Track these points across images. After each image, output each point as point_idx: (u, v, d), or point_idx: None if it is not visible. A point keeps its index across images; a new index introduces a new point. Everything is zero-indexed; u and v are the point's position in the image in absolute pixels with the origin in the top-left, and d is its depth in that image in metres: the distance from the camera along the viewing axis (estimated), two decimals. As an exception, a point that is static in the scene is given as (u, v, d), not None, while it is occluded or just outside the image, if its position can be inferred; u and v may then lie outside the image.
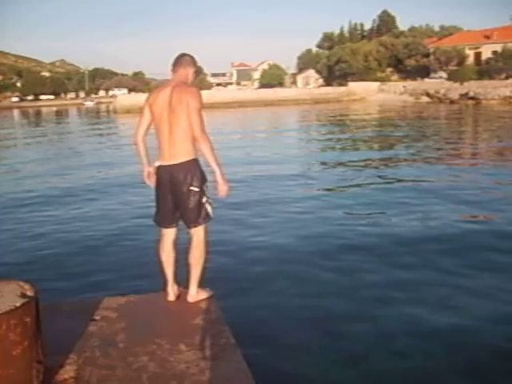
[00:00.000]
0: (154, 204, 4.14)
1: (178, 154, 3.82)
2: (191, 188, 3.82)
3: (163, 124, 3.85)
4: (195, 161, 3.88)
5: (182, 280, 5.75)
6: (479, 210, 9.57)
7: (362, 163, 16.29)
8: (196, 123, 3.77)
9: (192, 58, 4.10)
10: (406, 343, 4.70)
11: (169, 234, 4.04)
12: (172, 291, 4.10)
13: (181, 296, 4.11)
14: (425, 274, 6.39)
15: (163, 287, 4.18)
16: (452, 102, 52.55)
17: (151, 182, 4.05)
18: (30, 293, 2.91)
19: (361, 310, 5.47)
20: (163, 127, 3.86)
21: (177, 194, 3.86)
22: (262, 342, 4.61)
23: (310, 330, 4.97)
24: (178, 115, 3.78)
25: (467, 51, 72.69)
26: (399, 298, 5.78)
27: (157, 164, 3.96)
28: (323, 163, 16.77)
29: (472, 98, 51.01)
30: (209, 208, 3.94)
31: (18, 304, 2.76)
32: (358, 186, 12.55)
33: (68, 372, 3.11)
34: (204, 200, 3.90)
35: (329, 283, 6.23)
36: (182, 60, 4.04)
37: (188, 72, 4.03)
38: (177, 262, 4.14)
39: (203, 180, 3.90)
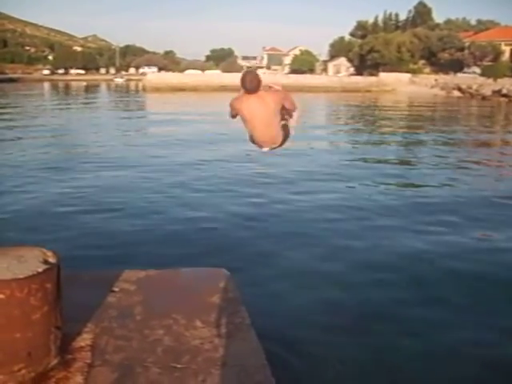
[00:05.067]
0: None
1: None
2: None
3: None
4: None
5: (199, 261, 5.83)
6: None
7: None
8: None
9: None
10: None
11: None
12: None
13: (200, 274, 4.14)
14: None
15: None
16: (484, 98, 51.58)
17: None
18: (52, 260, 2.96)
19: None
20: None
21: None
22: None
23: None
24: None
25: (503, 47, 71.14)
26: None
27: None
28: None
29: (505, 96, 49.96)
30: None
31: (40, 270, 2.81)
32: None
33: (85, 340, 3.16)
34: None
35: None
36: None
37: None
38: None
39: None
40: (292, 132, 3.94)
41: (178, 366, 2.94)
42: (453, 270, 6.39)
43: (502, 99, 49.26)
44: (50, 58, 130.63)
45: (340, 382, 4.12)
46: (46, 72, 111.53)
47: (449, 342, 4.72)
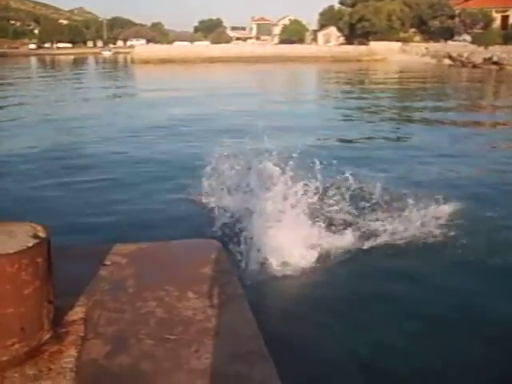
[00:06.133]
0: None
1: None
2: None
3: None
4: None
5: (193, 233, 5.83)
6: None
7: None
8: None
9: None
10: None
11: None
12: None
13: (191, 246, 4.13)
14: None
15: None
16: (475, 66, 51.40)
17: None
18: (42, 234, 2.93)
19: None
20: None
21: None
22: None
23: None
24: None
25: (494, 14, 70.64)
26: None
27: None
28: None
29: (496, 63, 49.79)
30: None
31: (29, 244, 2.79)
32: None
33: (77, 313, 3.17)
34: None
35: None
36: None
37: None
38: None
39: None
40: None
41: (171, 337, 2.95)
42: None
43: (493, 67, 49.14)
44: (36, 31, 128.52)
45: (331, 344, 4.18)
46: (33, 46, 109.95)
47: None
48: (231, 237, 5.90)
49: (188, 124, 15.58)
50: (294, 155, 6.25)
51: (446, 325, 4.67)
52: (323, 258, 5.76)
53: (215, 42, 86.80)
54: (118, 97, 22.54)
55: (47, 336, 2.92)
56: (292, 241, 5.72)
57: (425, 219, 6.81)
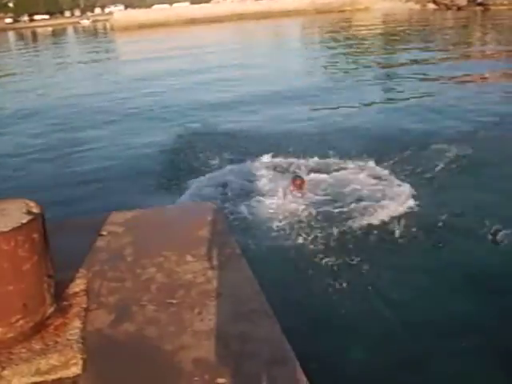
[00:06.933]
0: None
1: None
2: None
3: None
4: None
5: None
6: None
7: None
8: None
9: None
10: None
11: None
12: None
13: (187, 209, 4.12)
14: None
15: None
16: (459, 8, 50.67)
17: None
18: (36, 210, 2.92)
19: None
20: None
21: None
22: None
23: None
24: None
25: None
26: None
27: None
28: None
29: (480, 4, 49.06)
30: None
31: (24, 221, 2.77)
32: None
33: (78, 285, 3.17)
34: None
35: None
36: None
37: None
38: None
39: None
40: None
41: (173, 301, 2.97)
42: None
43: (478, 8, 48.42)
44: (11, 5, 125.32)
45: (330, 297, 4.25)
46: (9, 20, 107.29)
47: None
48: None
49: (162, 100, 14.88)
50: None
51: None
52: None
53: (195, 2, 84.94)
54: (99, 75, 21.84)
55: (50, 310, 2.93)
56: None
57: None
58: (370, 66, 18.80)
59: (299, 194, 6.72)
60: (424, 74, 16.01)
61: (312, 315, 4.03)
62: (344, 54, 23.39)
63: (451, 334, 4.15)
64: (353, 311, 4.24)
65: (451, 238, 5.54)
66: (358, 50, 24.23)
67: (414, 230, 5.70)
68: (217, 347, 2.54)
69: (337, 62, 20.64)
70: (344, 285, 4.55)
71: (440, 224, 5.81)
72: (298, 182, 6.96)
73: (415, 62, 18.90)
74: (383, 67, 18.87)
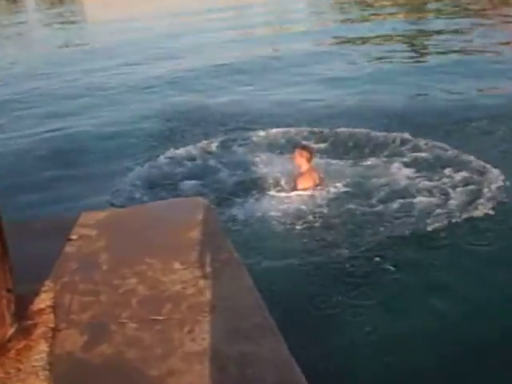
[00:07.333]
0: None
1: None
2: None
3: None
4: None
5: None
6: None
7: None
8: None
9: None
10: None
11: None
12: None
13: (173, 207, 3.89)
14: None
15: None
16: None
17: None
18: (-12, 211, 2.76)
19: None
20: None
21: None
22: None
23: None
24: None
25: None
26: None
27: None
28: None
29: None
30: None
31: (-28, 225, 2.60)
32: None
33: (44, 301, 2.95)
34: None
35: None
36: None
37: None
38: None
39: None
40: None
41: (159, 317, 2.74)
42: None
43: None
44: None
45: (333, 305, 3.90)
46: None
47: None
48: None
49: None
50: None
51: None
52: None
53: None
54: (65, 45, 20.99)
55: (11, 331, 2.72)
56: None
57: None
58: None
59: (305, 167, 5.86)
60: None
61: (323, 330, 3.68)
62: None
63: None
64: (377, 334, 3.78)
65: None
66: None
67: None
68: (212, 372, 2.33)
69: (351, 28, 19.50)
70: (360, 302, 4.08)
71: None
72: (304, 152, 5.89)
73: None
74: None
